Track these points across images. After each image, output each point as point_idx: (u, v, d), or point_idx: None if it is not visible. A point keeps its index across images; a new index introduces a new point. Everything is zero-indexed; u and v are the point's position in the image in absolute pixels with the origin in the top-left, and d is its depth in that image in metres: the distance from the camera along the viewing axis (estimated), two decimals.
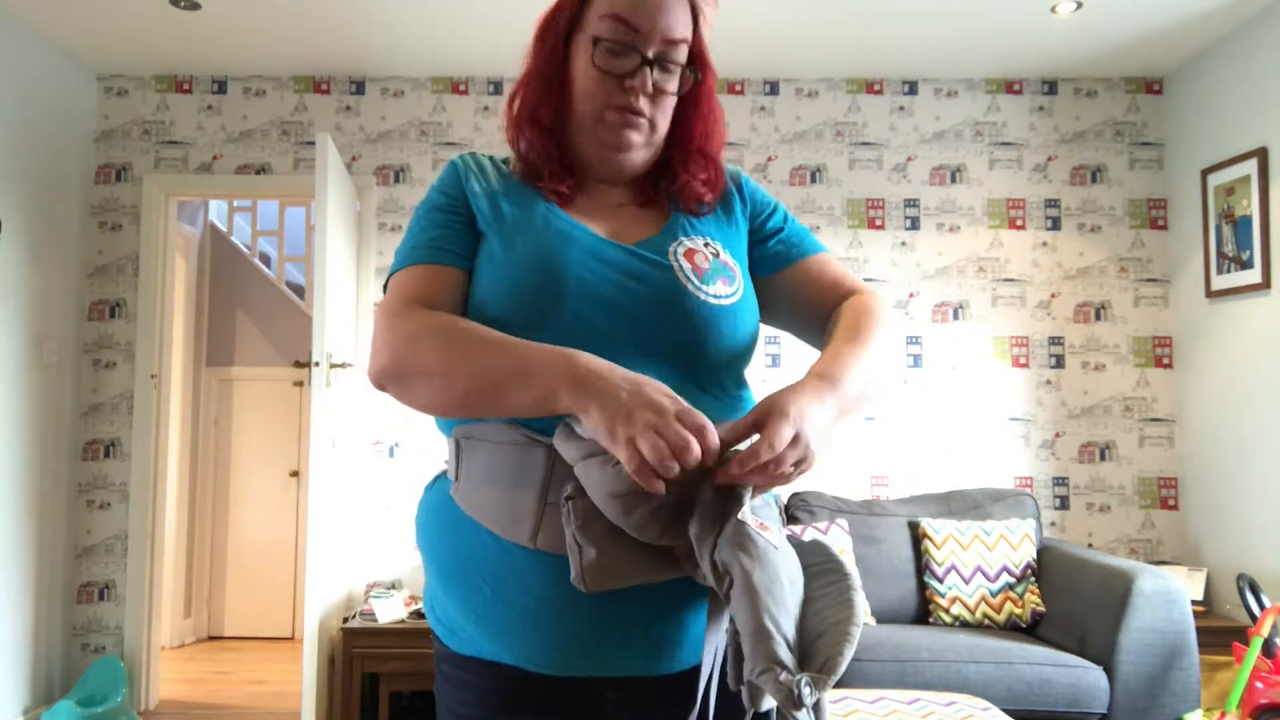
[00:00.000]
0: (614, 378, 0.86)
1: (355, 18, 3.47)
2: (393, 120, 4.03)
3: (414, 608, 3.60)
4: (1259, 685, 2.79)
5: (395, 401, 3.95)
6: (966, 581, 3.35)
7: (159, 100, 4.03)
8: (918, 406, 3.93)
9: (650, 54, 1.03)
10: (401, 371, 0.97)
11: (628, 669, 0.94)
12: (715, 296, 1.01)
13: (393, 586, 3.84)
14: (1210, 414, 3.69)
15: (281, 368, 5.05)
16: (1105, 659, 2.92)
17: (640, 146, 1.07)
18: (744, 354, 1.05)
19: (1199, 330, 3.76)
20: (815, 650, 0.80)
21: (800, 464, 0.87)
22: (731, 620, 0.85)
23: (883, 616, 3.40)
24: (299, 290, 5.50)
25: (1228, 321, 3.58)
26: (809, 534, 3.40)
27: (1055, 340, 3.95)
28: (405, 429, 3.92)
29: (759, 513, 0.88)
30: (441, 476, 1.07)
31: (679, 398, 0.85)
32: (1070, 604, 3.18)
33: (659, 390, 0.85)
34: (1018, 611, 3.31)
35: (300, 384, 5.03)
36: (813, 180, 4.02)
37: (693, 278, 1.01)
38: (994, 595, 3.33)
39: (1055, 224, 3.99)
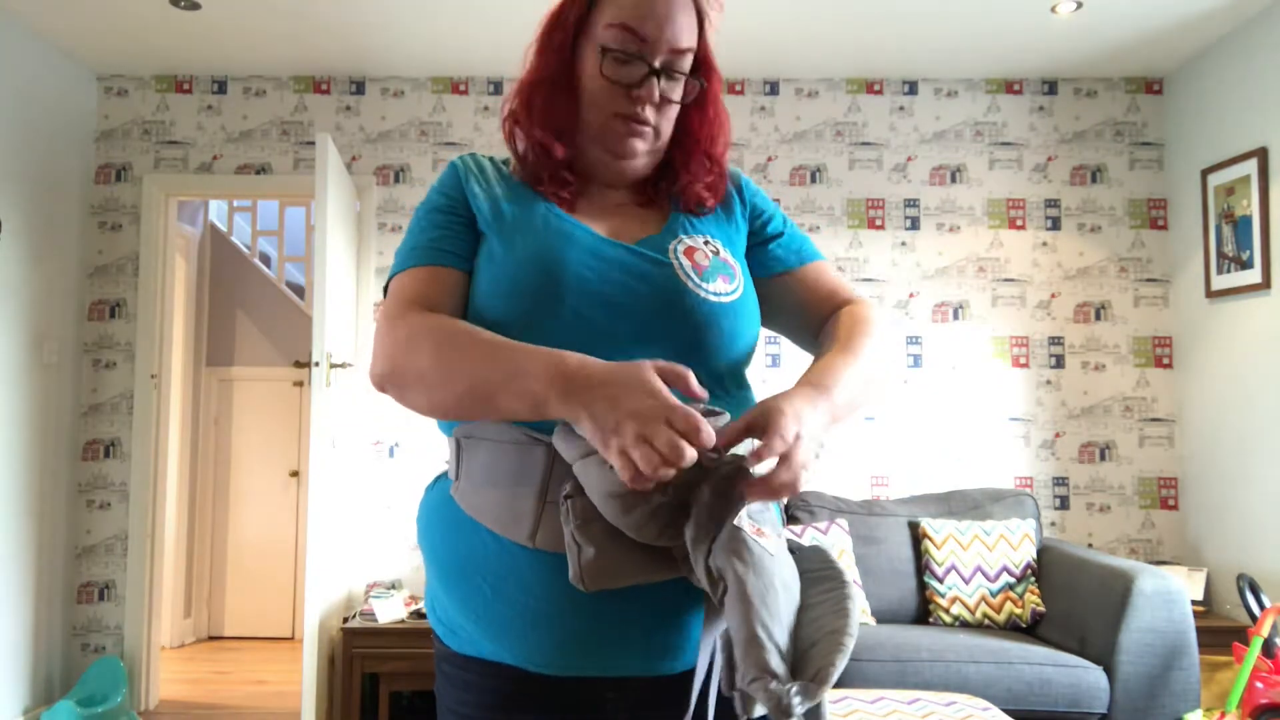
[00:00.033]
0: (603, 383, 0.84)
1: (355, 18, 3.47)
2: (393, 120, 4.03)
3: (414, 608, 3.60)
4: (1259, 685, 2.79)
5: (395, 402, 3.96)
6: (966, 581, 3.35)
7: (159, 100, 4.03)
8: (918, 406, 3.93)
9: (657, 64, 1.03)
10: (398, 376, 0.97)
11: (627, 669, 0.95)
12: (715, 294, 1.01)
13: (393, 586, 3.84)
14: (1210, 414, 3.69)
15: (281, 368, 5.05)
16: (1105, 659, 2.92)
17: (645, 154, 1.07)
18: (744, 352, 1.05)
19: (1199, 330, 3.76)
20: (808, 659, 0.80)
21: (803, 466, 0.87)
22: (725, 625, 0.85)
23: (883, 616, 3.40)
24: (299, 290, 5.50)
25: (1228, 321, 3.58)
26: (809, 534, 3.40)
27: (1055, 340, 3.95)
28: (405, 429, 3.92)
29: (756, 518, 0.88)
30: (442, 477, 1.07)
31: (671, 396, 0.83)
32: (1070, 604, 3.18)
33: (650, 392, 0.82)
34: (1018, 611, 3.31)
35: (300, 384, 5.03)
36: (813, 180, 4.02)
37: (693, 275, 1.01)
38: (994, 595, 3.33)
39: (1055, 224, 3.99)
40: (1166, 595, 2.91)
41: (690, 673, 0.94)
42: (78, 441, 3.90)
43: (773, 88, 4.06)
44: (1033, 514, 3.57)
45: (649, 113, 1.04)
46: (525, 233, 1.02)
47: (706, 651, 0.90)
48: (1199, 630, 3.05)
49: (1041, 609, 3.30)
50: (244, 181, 4.01)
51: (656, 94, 1.03)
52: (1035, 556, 3.42)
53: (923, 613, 3.41)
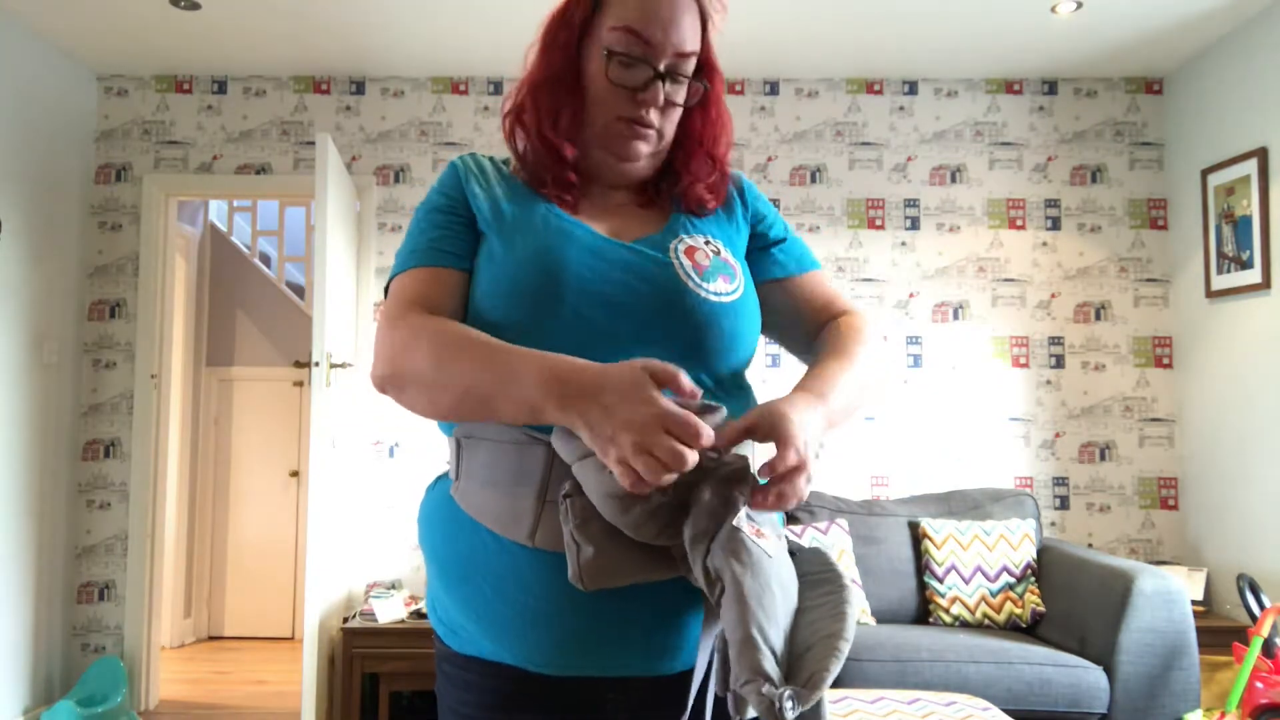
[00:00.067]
0: (598, 391, 0.84)
1: (355, 18, 3.47)
2: (393, 120, 4.03)
3: (414, 608, 3.60)
4: (1259, 685, 2.79)
5: (395, 403, 3.96)
6: (966, 581, 3.35)
7: (159, 100, 4.03)
8: (918, 406, 3.93)
9: (661, 67, 1.02)
10: (398, 378, 0.98)
11: (628, 669, 0.95)
12: (716, 294, 1.00)
13: (393, 586, 3.84)
14: (1210, 414, 3.69)
15: (281, 368, 5.05)
16: (1105, 659, 2.92)
17: (647, 156, 1.07)
18: (745, 352, 1.04)
19: (1199, 330, 3.76)
20: (803, 663, 0.80)
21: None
22: (720, 624, 0.85)
23: (883, 616, 3.40)
24: (299, 290, 5.50)
25: (1228, 321, 3.58)
26: (809, 534, 3.40)
27: (1055, 340, 3.95)
28: (405, 429, 3.92)
29: (756, 518, 0.88)
30: (443, 477, 1.07)
31: (666, 401, 0.82)
32: (1070, 604, 3.18)
33: (645, 399, 0.81)
34: (1018, 611, 3.31)
35: (300, 384, 5.03)
36: (813, 180, 4.02)
37: (693, 275, 1.01)
38: (994, 595, 3.33)
39: (1055, 224, 3.99)
40: (1166, 595, 2.91)
41: (690, 672, 0.94)
42: (78, 441, 3.90)
43: (773, 88, 4.06)
44: (1033, 514, 3.57)
45: (653, 116, 1.04)
46: (525, 232, 1.01)
47: (705, 652, 0.90)
48: (1199, 630, 3.05)
49: (1041, 609, 3.30)
50: (244, 181, 4.01)
51: (661, 97, 1.03)
52: (1035, 556, 3.42)
53: (923, 613, 3.41)
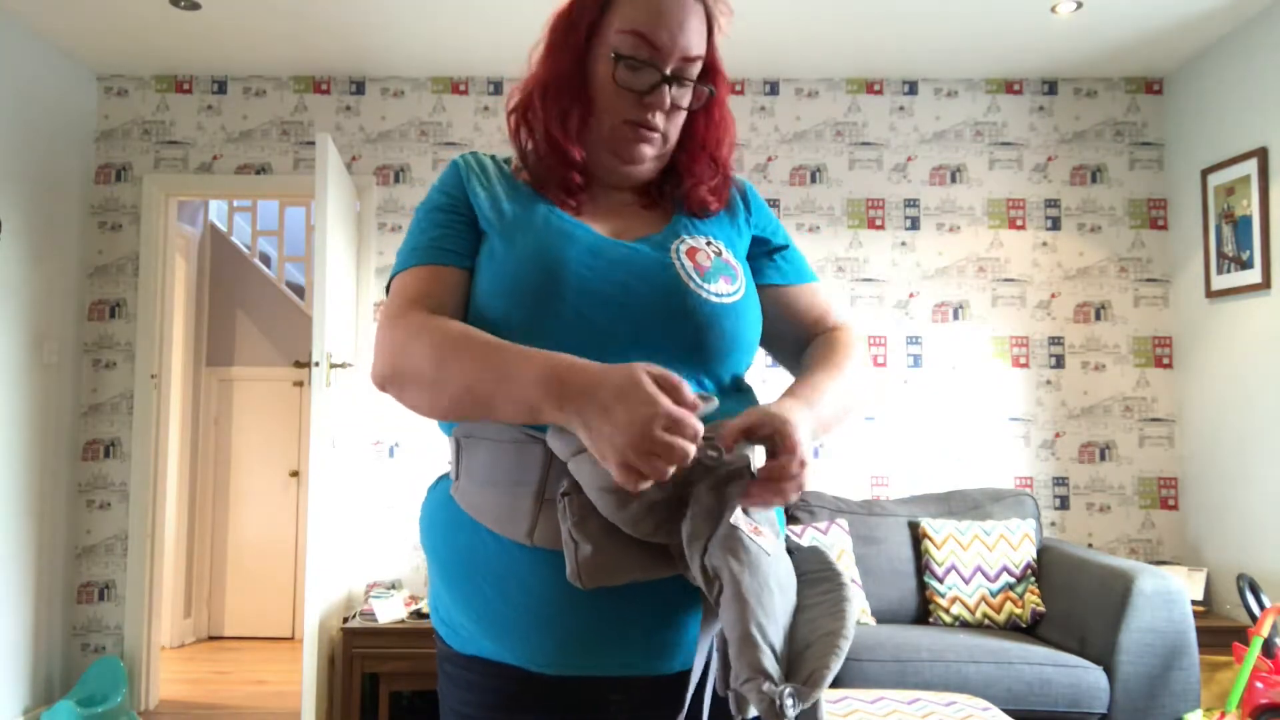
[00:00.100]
0: (596, 389, 0.83)
1: (355, 18, 3.47)
2: (393, 120, 4.03)
3: (414, 608, 3.60)
4: (1259, 685, 2.79)
5: (395, 402, 3.96)
6: (966, 581, 3.35)
7: (159, 100, 4.03)
8: (918, 406, 3.93)
9: (668, 71, 1.03)
10: (398, 377, 0.98)
11: (630, 668, 0.95)
12: (717, 295, 1.01)
13: (393, 586, 3.84)
14: (1210, 414, 3.69)
15: (281, 368, 5.05)
16: (1105, 659, 2.92)
17: (652, 159, 1.07)
18: (745, 353, 1.05)
19: (1199, 330, 3.76)
20: (803, 661, 0.80)
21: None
22: (719, 623, 0.85)
23: (883, 616, 3.40)
24: (299, 290, 5.50)
25: (1228, 321, 3.58)
26: (809, 534, 3.40)
27: (1055, 340, 3.95)
28: (405, 429, 3.91)
29: (754, 516, 0.88)
30: (444, 477, 1.07)
31: (664, 399, 0.82)
32: (1070, 604, 3.18)
33: (644, 399, 0.81)
34: (1018, 611, 3.31)
35: (300, 384, 5.03)
36: (813, 180, 4.02)
37: (694, 276, 1.01)
38: (994, 595, 3.33)
39: (1055, 224, 3.99)
40: (1166, 595, 2.91)
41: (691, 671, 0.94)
42: (78, 441, 3.90)
43: (773, 88, 4.06)
44: (1033, 514, 3.57)
45: (658, 119, 1.04)
46: (526, 232, 1.01)
47: (703, 651, 0.90)
48: (1199, 630, 3.05)
49: (1041, 609, 3.30)
50: (244, 181, 4.01)
51: (667, 101, 1.03)
52: (1035, 556, 3.42)
53: (923, 613, 3.41)
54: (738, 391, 1.04)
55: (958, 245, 3.99)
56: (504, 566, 0.94)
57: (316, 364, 3.30)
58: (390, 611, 3.50)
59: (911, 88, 4.05)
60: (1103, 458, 3.91)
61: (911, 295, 3.98)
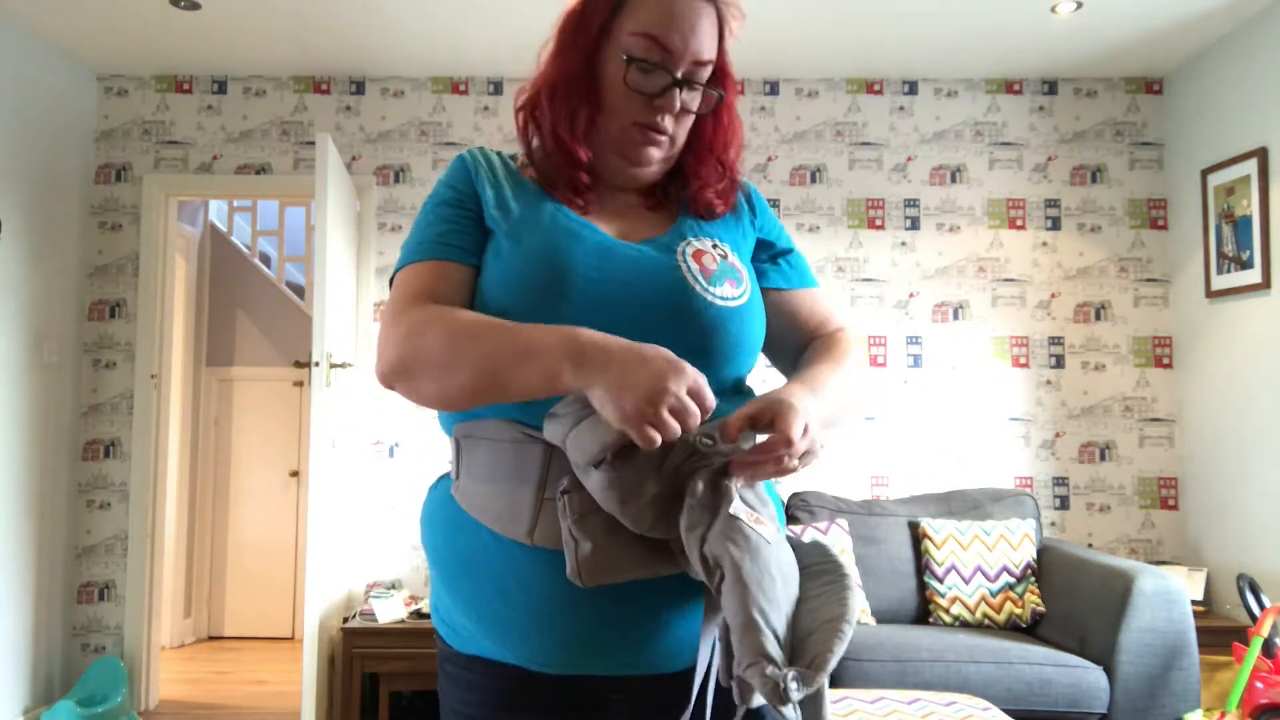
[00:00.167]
0: (616, 350, 0.86)
1: (355, 18, 3.47)
2: (393, 120, 4.03)
3: (414, 608, 3.60)
4: (1259, 685, 2.79)
5: (395, 402, 3.97)
6: (966, 581, 3.35)
7: (159, 100, 4.03)
8: (918, 406, 3.93)
9: (679, 74, 1.02)
10: (406, 367, 0.97)
11: (631, 668, 0.95)
12: (722, 298, 1.01)
13: (393, 586, 3.84)
14: (1210, 414, 3.69)
15: (281, 368, 5.05)
16: (1105, 659, 2.92)
17: (659, 161, 1.07)
18: (749, 356, 1.05)
19: (1199, 330, 3.76)
20: (806, 647, 0.80)
21: (807, 455, 0.89)
22: (723, 615, 0.85)
23: (883, 616, 3.40)
24: (299, 290, 5.50)
25: (1228, 321, 3.58)
26: (809, 534, 3.40)
27: (1055, 340, 3.95)
28: (405, 429, 3.92)
29: (755, 507, 0.88)
30: (445, 477, 1.07)
31: (682, 362, 0.85)
32: (1070, 604, 3.18)
33: (665, 358, 0.85)
34: (1018, 611, 3.31)
35: (300, 384, 5.03)
36: (813, 180, 4.02)
37: (700, 279, 1.01)
38: (994, 595, 3.33)
39: (1055, 224, 3.99)
40: (1166, 595, 2.91)
41: (694, 670, 0.94)
42: (78, 441, 3.90)
43: (773, 88, 4.06)
44: (1033, 514, 3.57)
45: (668, 122, 1.04)
46: (533, 230, 1.01)
47: (706, 646, 0.90)
48: (1199, 630, 3.05)
49: (1041, 609, 3.30)
50: (244, 181, 4.01)
51: (678, 104, 1.03)
52: (1035, 556, 3.42)
53: (923, 613, 3.41)
54: (739, 394, 1.04)
55: (958, 245, 3.99)
56: (504, 566, 0.94)
57: (316, 364, 3.30)
58: (390, 611, 3.50)
59: (911, 88, 4.05)
60: (1103, 458, 3.91)
61: (911, 295, 3.98)
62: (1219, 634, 3.24)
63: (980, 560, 3.37)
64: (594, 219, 1.05)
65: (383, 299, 3.95)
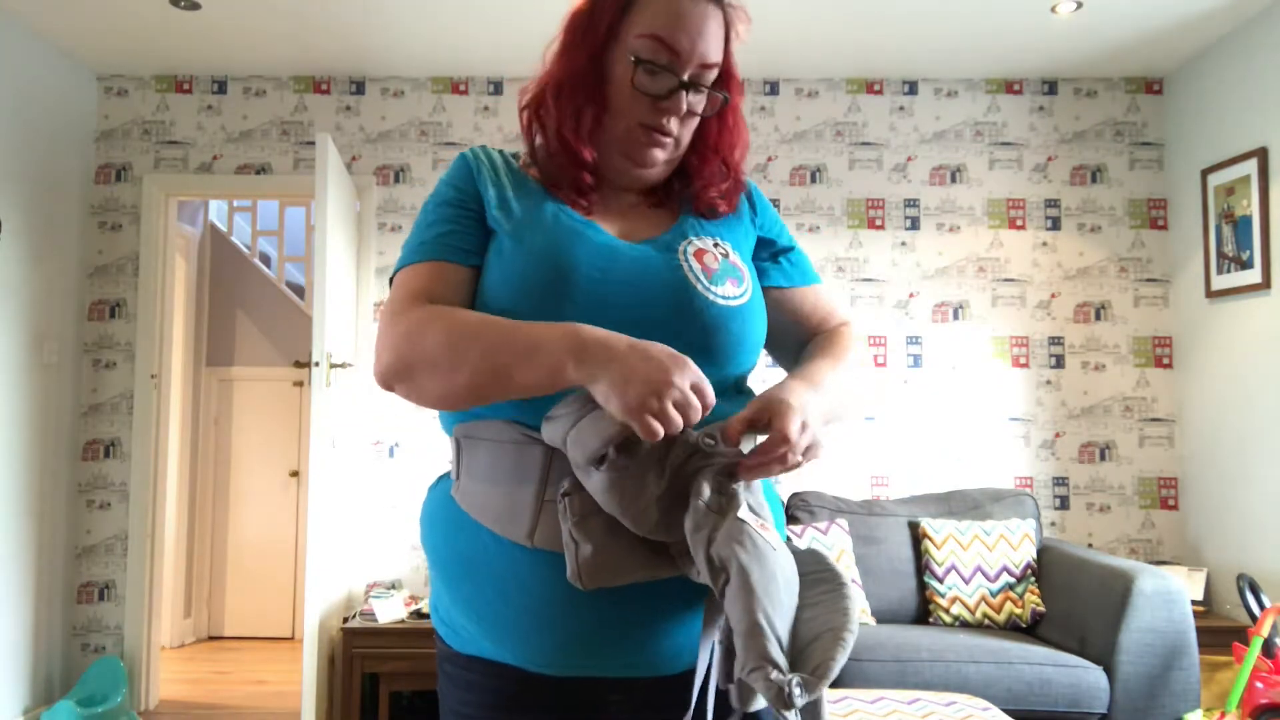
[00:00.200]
0: (619, 345, 0.87)
1: (355, 18, 3.47)
2: (393, 120, 4.03)
3: (414, 608, 3.60)
4: (1259, 685, 2.79)
5: (395, 402, 3.97)
6: (966, 581, 3.35)
7: (159, 100, 4.03)
8: (918, 406, 3.93)
9: (686, 77, 1.03)
10: (405, 367, 0.96)
11: (631, 669, 0.95)
12: (724, 297, 1.01)
13: (393, 586, 3.84)
14: (1210, 414, 3.69)
15: (281, 368, 5.05)
16: (1105, 659, 2.92)
17: (663, 163, 1.07)
18: (751, 355, 1.05)
19: (1199, 330, 3.76)
20: (808, 654, 0.80)
21: (810, 450, 0.89)
22: (725, 618, 0.85)
23: (883, 616, 3.40)
24: (299, 290, 5.50)
25: (1228, 321, 3.58)
26: (809, 534, 3.40)
27: (1055, 340, 3.95)
28: (405, 429, 3.92)
29: (760, 512, 0.88)
30: (445, 477, 1.07)
31: (686, 359, 0.86)
32: (1070, 604, 3.18)
33: (669, 354, 0.86)
34: (1018, 611, 3.31)
35: (300, 384, 5.03)
36: (813, 180, 4.02)
37: (702, 278, 1.01)
38: (994, 595, 3.33)
39: (1055, 224, 3.99)
40: (1166, 595, 2.91)
41: (692, 672, 0.94)
42: (78, 441, 3.90)
43: (773, 88, 4.06)
44: (1033, 514, 3.57)
45: (673, 124, 1.04)
46: (536, 230, 1.01)
47: (707, 648, 0.90)
48: (1199, 630, 3.05)
49: (1041, 609, 3.30)
50: (244, 181, 4.01)
51: (684, 107, 1.03)
52: (1035, 556, 3.42)
53: (923, 613, 3.41)
54: (739, 393, 1.04)
55: (958, 245, 3.99)
56: (504, 567, 0.94)
57: (316, 364, 3.30)
58: (390, 611, 3.50)
59: (911, 88, 4.05)
60: (1103, 458, 3.91)
61: (911, 295, 3.98)
62: (1219, 634, 3.24)
63: (980, 560, 3.37)
64: (596, 218, 1.05)
65: (383, 299, 3.95)
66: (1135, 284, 3.96)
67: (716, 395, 1.00)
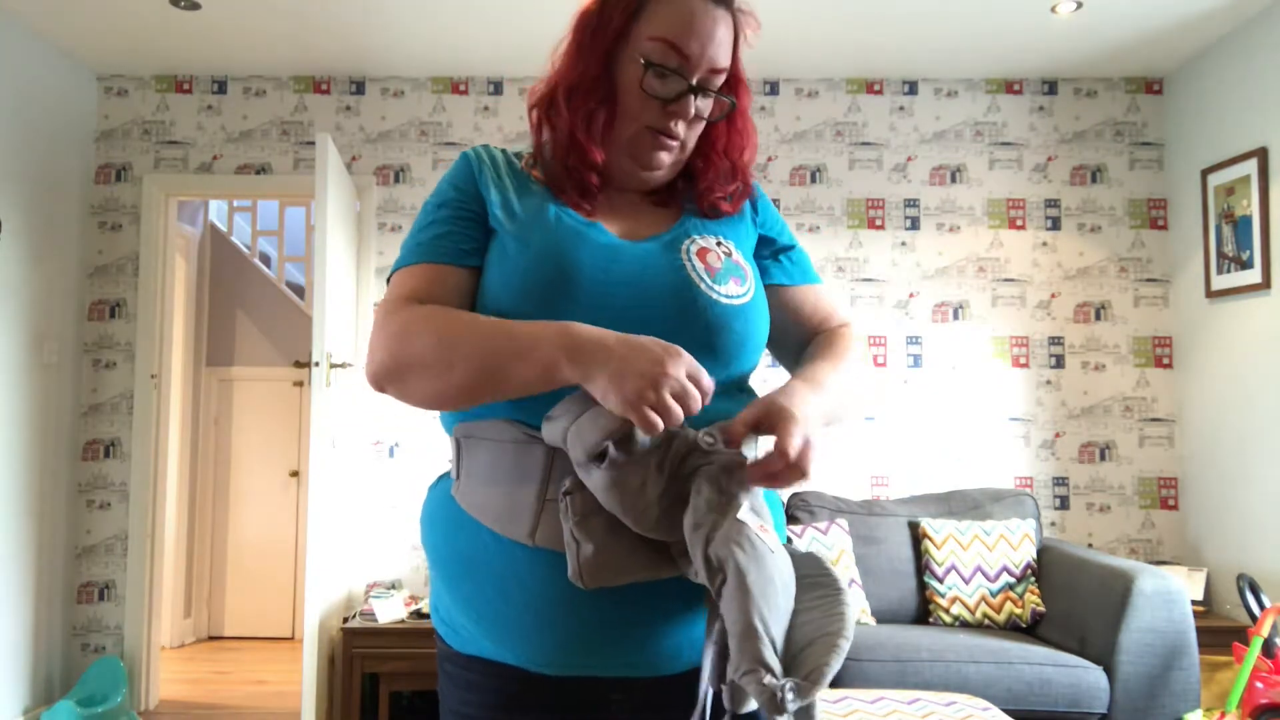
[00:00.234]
0: (612, 340, 0.87)
1: (355, 18, 3.47)
2: (393, 120, 4.03)
3: (414, 608, 3.60)
4: (1259, 685, 2.79)
5: (395, 402, 3.96)
6: (966, 581, 3.35)
7: (159, 100, 4.03)
8: (918, 406, 3.93)
9: (694, 81, 1.03)
10: (397, 367, 0.96)
11: (632, 669, 0.95)
12: (727, 296, 1.01)
13: (393, 586, 3.84)
14: (1210, 414, 3.69)
15: (281, 368, 5.05)
16: (1105, 659, 2.92)
17: (669, 166, 1.07)
18: (753, 354, 1.05)
19: (1199, 330, 3.76)
20: (803, 659, 0.79)
21: (810, 463, 0.89)
22: (720, 618, 0.85)
23: (883, 616, 3.40)
24: (299, 290, 5.50)
25: (1228, 321, 3.58)
26: (809, 534, 3.40)
27: (1055, 340, 3.95)
28: (405, 429, 3.91)
29: (760, 514, 0.88)
30: (445, 476, 1.07)
31: (681, 350, 0.86)
32: (1070, 604, 3.18)
33: (663, 346, 0.86)
34: (1018, 611, 3.31)
35: (300, 384, 5.03)
36: (813, 180, 4.02)
37: (705, 277, 1.01)
38: (994, 595, 3.33)
39: (1055, 224, 3.99)
40: (1166, 595, 2.91)
41: (694, 672, 0.94)
42: (78, 441, 3.90)
43: (773, 88, 4.06)
44: (1033, 514, 3.57)
45: (680, 128, 1.04)
46: (538, 231, 1.01)
47: (710, 648, 0.90)
48: (1199, 630, 3.05)
49: (1041, 609, 3.30)
50: (244, 181, 4.01)
51: (692, 111, 1.03)
52: (1035, 556, 3.42)
53: (923, 613, 3.41)
54: (740, 392, 1.04)
55: (958, 245, 3.99)
56: (505, 566, 0.94)
57: (316, 364, 3.30)
58: (390, 611, 3.50)
59: (911, 88, 4.05)
60: (1103, 458, 3.91)
61: (911, 295, 3.98)
62: (1219, 634, 3.24)
63: (980, 560, 3.37)
64: (599, 218, 1.05)
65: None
66: (1135, 284, 3.96)
67: (718, 394, 1.00)
